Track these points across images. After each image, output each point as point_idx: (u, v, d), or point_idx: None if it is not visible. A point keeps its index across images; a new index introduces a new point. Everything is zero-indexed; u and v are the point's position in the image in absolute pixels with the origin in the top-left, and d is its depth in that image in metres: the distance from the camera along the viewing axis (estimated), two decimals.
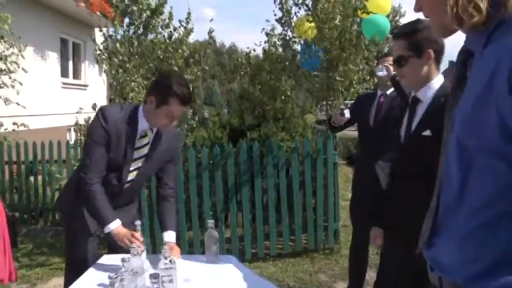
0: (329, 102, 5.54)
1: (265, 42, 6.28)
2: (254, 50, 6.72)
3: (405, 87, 2.37)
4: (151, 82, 2.80)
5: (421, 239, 1.37)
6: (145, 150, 2.65)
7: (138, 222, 2.53)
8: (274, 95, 5.86)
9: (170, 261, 2.16)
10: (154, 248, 4.58)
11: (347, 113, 3.64)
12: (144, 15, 5.43)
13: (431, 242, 1.30)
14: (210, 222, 2.59)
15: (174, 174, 2.89)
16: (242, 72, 6.25)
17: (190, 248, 4.95)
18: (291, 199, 5.13)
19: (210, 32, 5.97)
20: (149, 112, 2.55)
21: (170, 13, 5.62)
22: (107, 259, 2.59)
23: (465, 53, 1.23)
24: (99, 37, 6.60)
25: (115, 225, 2.50)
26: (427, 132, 2.13)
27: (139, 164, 2.67)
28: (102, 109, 2.57)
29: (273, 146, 5.10)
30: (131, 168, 2.65)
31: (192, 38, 5.83)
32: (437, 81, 2.21)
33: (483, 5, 1.06)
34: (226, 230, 5.19)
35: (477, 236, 1.13)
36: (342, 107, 3.71)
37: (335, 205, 5.22)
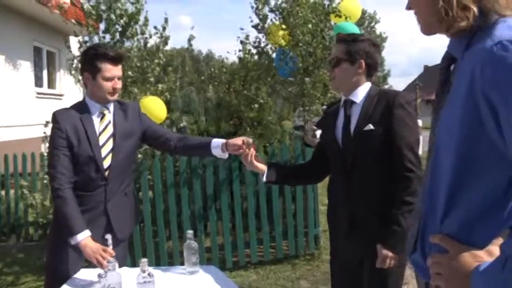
0: (306, 108, 5.56)
1: (239, 50, 6.29)
2: (227, 59, 6.72)
3: (333, 89, 2.51)
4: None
5: (407, 244, 1.37)
6: (110, 130, 2.63)
7: (108, 236, 2.44)
8: (250, 103, 5.85)
9: (148, 274, 2.11)
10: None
11: (319, 134, 3.56)
12: (122, 21, 5.35)
13: (417, 247, 1.30)
14: (189, 233, 2.55)
15: (165, 129, 2.99)
16: (216, 82, 6.24)
17: (170, 259, 4.88)
18: (270, 206, 5.11)
19: (190, 40, 5.90)
20: (92, 90, 2.61)
21: (146, 18, 5.53)
22: (83, 274, 2.52)
23: (448, 59, 1.28)
24: (74, 45, 6.48)
25: (83, 237, 2.38)
26: (369, 127, 2.24)
27: (111, 145, 2.63)
28: (52, 114, 2.59)
29: None
30: (104, 154, 2.60)
31: (168, 46, 5.78)
32: (365, 87, 2.37)
33: (475, 8, 1.11)
34: (206, 239, 5.13)
35: (460, 239, 1.14)
36: (313, 127, 3.62)
37: (315, 211, 5.22)
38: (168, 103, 5.44)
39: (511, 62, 1.00)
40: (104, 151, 2.60)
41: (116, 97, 2.65)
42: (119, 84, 2.61)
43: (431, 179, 1.25)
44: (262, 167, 2.46)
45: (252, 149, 2.44)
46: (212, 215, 4.99)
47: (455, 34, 1.19)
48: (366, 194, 2.26)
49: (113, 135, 2.64)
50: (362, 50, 2.34)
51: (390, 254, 2.16)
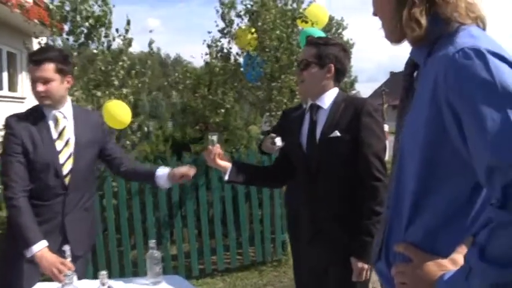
0: (272, 113, 5.56)
1: (206, 54, 6.24)
2: (190, 63, 6.65)
3: (300, 92, 2.46)
4: None
5: (372, 252, 1.36)
6: (67, 136, 2.53)
7: (66, 248, 2.32)
8: (216, 108, 5.81)
9: (108, 287, 2.03)
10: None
11: (278, 141, 3.41)
12: (87, 23, 5.19)
13: (381, 255, 1.29)
14: (152, 242, 2.47)
15: (119, 148, 2.90)
16: (180, 87, 6.16)
17: (134, 268, 4.76)
18: (237, 212, 5.06)
19: (150, 43, 5.82)
20: None
21: (109, 20, 5.40)
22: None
23: (411, 65, 1.29)
24: (36, 46, 6.26)
25: (39, 248, 2.25)
26: (336, 133, 2.21)
27: (70, 152, 2.52)
28: (5, 120, 2.48)
29: None
30: (63, 160, 2.49)
31: (135, 49, 5.68)
32: (333, 92, 2.34)
33: (423, 21, 1.12)
34: (172, 247, 5.04)
35: (425, 247, 1.14)
36: (272, 135, 3.52)
37: (282, 216, 5.19)
38: (135, 107, 5.34)
39: (473, 70, 1.00)
40: (62, 157, 2.49)
41: (48, 102, 2.47)
42: (39, 87, 2.42)
43: (396, 185, 1.24)
44: (225, 165, 2.35)
45: (215, 147, 2.35)
46: (178, 222, 4.90)
47: (414, 42, 1.19)
48: (330, 200, 2.23)
49: (73, 141, 2.53)
50: (332, 54, 2.31)
51: (366, 266, 2.14)
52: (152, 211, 4.80)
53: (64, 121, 2.55)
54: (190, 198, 4.93)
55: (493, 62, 0.99)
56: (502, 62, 1.00)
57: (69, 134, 2.54)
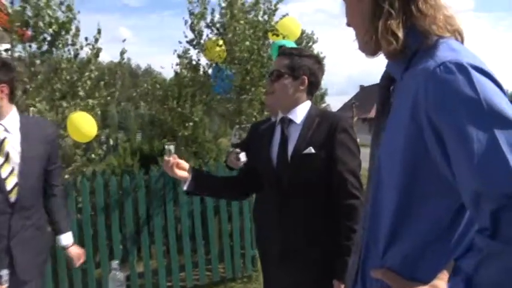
0: (242, 126, 5.51)
1: (176, 64, 6.15)
2: (160, 74, 6.56)
3: (269, 104, 2.36)
4: None
5: (348, 276, 1.29)
6: (7, 149, 2.36)
7: (3, 272, 2.15)
8: (184, 121, 5.72)
9: None
10: None
11: (243, 157, 3.36)
12: (50, 30, 4.98)
13: (358, 279, 1.22)
14: (114, 263, 2.34)
15: (58, 171, 2.67)
16: (149, 99, 6.05)
17: (98, 287, 4.58)
18: (205, 227, 4.95)
19: (122, 53, 5.62)
20: None
21: (77, 28, 5.15)
22: None
23: (387, 79, 1.22)
24: None
25: None
26: (310, 150, 2.13)
27: (13, 165, 2.37)
28: None
29: None
30: (5, 174, 2.33)
31: (106, 59, 5.50)
32: (305, 105, 2.26)
33: (400, 34, 1.06)
34: (139, 264, 4.88)
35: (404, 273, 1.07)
36: (236, 150, 3.45)
37: (251, 230, 5.12)
38: (104, 119, 5.18)
39: (455, 85, 0.94)
40: (4, 172, 2.34)
41: None
42: None
43: (372, 206, 1.17)
44: (184, 176, 2.21)
45: (173, 157, 2.25)
46: (145, 238, 4.76)
47: (390, 56, 1.13)
48: (302, 218, 2.15)
49: (17, 155, 2.38)
50: (306, 66, 2.24)
51: None
52: (118, 227, 4.65)
53: (3, 134, 2.38)
54: (157, 213, 4.80)
55: (477, 77, 0.94)
56: (485, 77, 0.94)
57: (11, 147, 2.38)
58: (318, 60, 2.32)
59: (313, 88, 2.30)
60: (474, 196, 0.90)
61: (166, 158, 2.22)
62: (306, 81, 2.24)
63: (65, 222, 2.60)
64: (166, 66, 6.18)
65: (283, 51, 2.33)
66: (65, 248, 2.54)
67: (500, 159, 0.87)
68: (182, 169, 2.22)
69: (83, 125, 4.51)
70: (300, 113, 2.24)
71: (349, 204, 2.07)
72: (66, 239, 2.54)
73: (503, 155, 0.87)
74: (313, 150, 2.12)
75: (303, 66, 2.23)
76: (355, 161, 2.15)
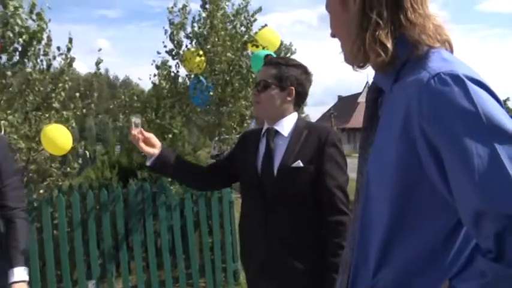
0: (222, 138, 5.46)
1: (154, 75, 6.07)
2: (138, 85, 6.46)
3: (256, 114, 2.29)
4: None
5: None
6: None
7: (91, 283, 2.02)
8: (163, 133, 5.63)
9: None
10: None
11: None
12: (21, 40, 4.79)
13: None
14: (91, 284, 2.26)
15: (15, 192, 2.29)
16: (127, 111, 5.95)
17: None
18: (186, 241, 4.86)
19: (97, 63, 5.47)
20: None
21: (48, 37, 5.00)
22: None
23: (375, 91, 1.17)
24: None
25: None
26: (299, 164, 2.07)
27: None
28: None
29: (165, 185, 4.84)
30: None
31: (83, 70, 5.35)
32: (292, 117, 2.20)
33: (389, 45, 1.01)
34: (118, 280, 4.75)
35: None
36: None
37: (233, 244, 5.05)
38: (81, 131, 5.04)
39: (451, 98, 0.89)
40: None
41: None
42: None
43: (361, 226, 1.11)
44: (151, 151, 2.15)
45: (138, 130, 2.14)
46: (123, 253, 4.65)
47: (379, 67, 1.08)
48: (287, 233, 2.09)
49: None
50: (294, 76, 2.17)
51: None
52: (96, 243, 4.53)
53: None
54: (136, 228, 4.70)
55: (473, 88, 0.89)
56: (482, 89, 0.90)
57: None
58: (306, 71, 2.25)
59: (301, 99, 2.24)
60: (475, 215, 0.85)
61: (132, 131, 2.14)
62: (294, 92, 2.18)
63: (20, 254, 2.18)
64: (145, 78, 6.10)
65: (269, 60, 2.27)
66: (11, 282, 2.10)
67: (504, 176, 0.82)
68: (151, 145, 2.17)
69: (58, 137, 4.40)
70: (286, 124, 2.18)
71: (338, 221, 2.02)
72: (19, 274, 2.11)
73: (506, 171, 0.82)
74: (301, 164, 2.07)
75: (290, 76, 2.17)
76: (344, 176, 2.10)
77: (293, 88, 2.17)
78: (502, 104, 0.92)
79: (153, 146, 2.18)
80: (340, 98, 53.79)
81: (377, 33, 1.03)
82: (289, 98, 2.18)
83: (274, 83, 2.16)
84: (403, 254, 1.02)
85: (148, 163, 2.19)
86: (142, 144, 2.14)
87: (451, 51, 1.07)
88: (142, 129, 2.18)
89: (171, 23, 5.99)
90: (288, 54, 27.02)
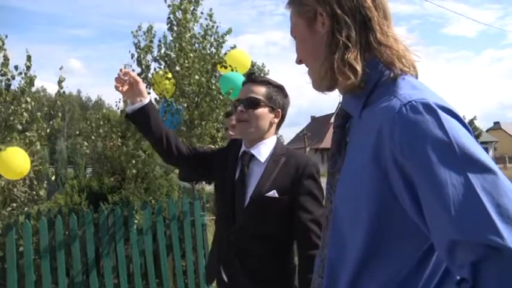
0: None
1: (119, 100, 5.97)
2: (110, 106, 6.33)
3: (241, 134, 2.21)
4: None
5: None
6: None
7: None
8: (132, 157, 5.53)
9: None
10: None
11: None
12: None
13: None
14: None
15: None
16: (93, 136, 5.82)
17: None
18: (158, 265, 4.77)
19: (59, 81, 5.17)
20: None
21: (5, 56, 4.72)
22: None
23: (343, 116, 1.14)
24: None
25: None
26: (274, 194, 1.97)
27: None
28: None
29: (137, 209, 4.76)
30: None
31: (54, 91, 5.10)
32: (271, 141, 2.11)
33: (359, 67, 0.99)
34: None
35: None
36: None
37: (206, 267, 4.97)
38: (52, 153, 4.87)
39: (424, 127, 0.88)
40: None
41: None
42: None
43: (330, 252, 1.09)
44: (137, 98, 2.09)
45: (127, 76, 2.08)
46: (94, 280, 4.52)
47: (347, 91, 1.06)
48: (255, 261, 2.02)
49: None
50: (281, 99, 2.09)
51: None
52: (64, 271, 4.39)
53: None
54: (107, 253, 4.58)
55: (445, 118, 0.89)
56: (452, 117, 0.90)
57: None
58: (286, 94, 2.17)
59: (281, 123, 2.17)
60: (450, 245, 0.84)
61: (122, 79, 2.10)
62: (280, 114, 2.10)
63: None
64: (117, 98, 5.96)
65: (255, 78, 2.15)
66: None
67: (478, 206, 0.81)
68: (139, 92, 2.11)
69: (13, 160, 4.19)
70: (264, 149, 2.08)
71: (312, 255, 1.98)
72: None
73: (480, 202, 0.82)
74: (276, 194, 1.97)
75: (278, 99, 2.09)
76: (320, 210, 1.96)
77: (280, 111, 2.10)
78: (471, 131, 0.92)
79: (140, 93, 2.10)
80: (313, 118, 54.29)
81: (346, 56, 1.01)
82: (276, 120, 2.11)
83: (264, 102, 2.05)
84: (376, 279, 1.00)
85: (129, 110, 2.10)
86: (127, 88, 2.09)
87: (416, 76, 1.06)
88: (131, 72, 2.12)
89: (137, 47, 5.90)
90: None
